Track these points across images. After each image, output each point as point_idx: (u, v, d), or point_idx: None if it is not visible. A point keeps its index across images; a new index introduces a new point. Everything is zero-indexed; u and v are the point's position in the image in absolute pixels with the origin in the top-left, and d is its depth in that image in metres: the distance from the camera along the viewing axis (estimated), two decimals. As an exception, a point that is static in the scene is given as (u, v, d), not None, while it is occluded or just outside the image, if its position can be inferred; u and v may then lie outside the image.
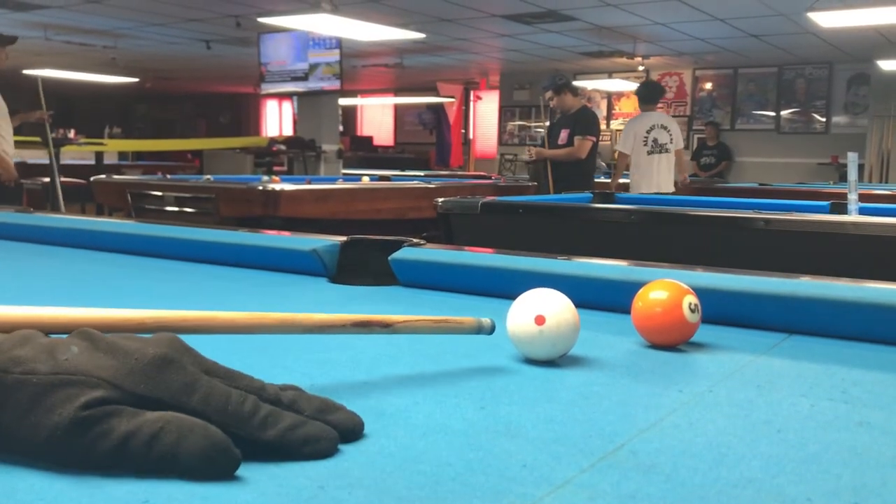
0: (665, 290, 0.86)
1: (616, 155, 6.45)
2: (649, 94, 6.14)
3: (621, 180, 6.22)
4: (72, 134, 6.44)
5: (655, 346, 0.87)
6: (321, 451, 0.50)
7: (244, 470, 0.47)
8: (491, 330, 0.78)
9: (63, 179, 5.94)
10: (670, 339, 0.87)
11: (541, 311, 0.77)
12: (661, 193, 5.23)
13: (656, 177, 5.83)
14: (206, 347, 0.53)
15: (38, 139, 5.47)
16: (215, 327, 0.59)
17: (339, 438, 0.52)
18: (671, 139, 5.91)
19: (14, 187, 4.86)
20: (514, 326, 0.78)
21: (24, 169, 5.29)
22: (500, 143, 13.46)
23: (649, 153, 5.89)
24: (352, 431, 0.53)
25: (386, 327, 0.67)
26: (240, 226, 2.26)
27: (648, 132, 5.90)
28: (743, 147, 11.29)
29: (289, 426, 0.49)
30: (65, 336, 0.50)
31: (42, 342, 0.48)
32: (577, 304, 0.80)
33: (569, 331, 0.77)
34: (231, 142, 12.20)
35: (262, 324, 0.61)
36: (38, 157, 7.55)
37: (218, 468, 0.46)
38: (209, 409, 0.47)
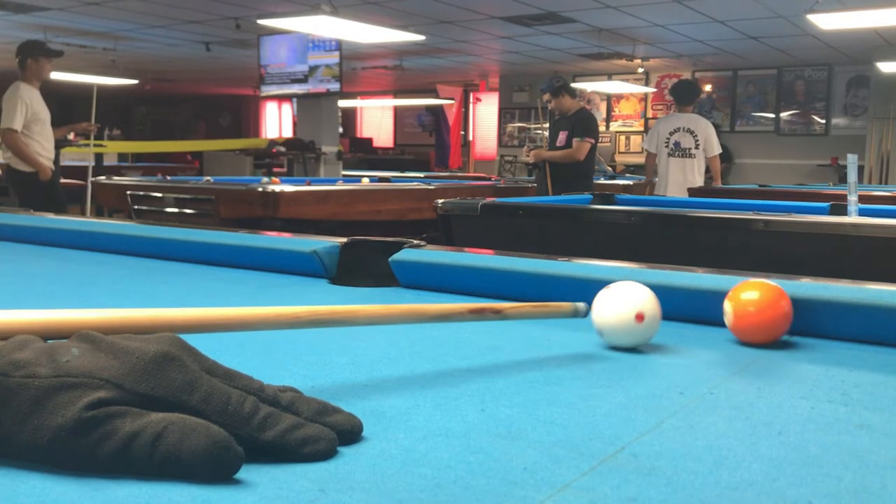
0: (760, 289, 0.90)
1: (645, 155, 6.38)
2: (684, 94, 6.01)
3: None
4: (71, 136, 6.44)
5: (748, 344, 0.89)
6: (320, 452, 0.50)
7: (244, 472, 0.47)
8: (585, 313, 0.86)
9: (63, 181, 6.00)
10: (774, 335, 0.89)
11: (640, 308, 0.84)
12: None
13: (672, 181, 5.77)
14: (208, 347, 0.53)
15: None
16: (341, 321, 0.66)
17: (338, 440, 0.52)
18: (697, 144, 5.79)
19: (49, 183, 5.20)
20: (613, 318, 0.84)
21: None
22: (500, 144, 13.47)
23: (669, 156, 5.84)
24: (350, 433, 0.53)
25: (497, 313, 0.75)
26: (240, 227, 2.26)
27: (671, 134, 5.84)
28: (742, 149, 11.30)
29: (288, 427, 0.49)
30: (64, 340, 0.50)
31: (40, 345, 0.48)
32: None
33: (656, 323, 0.86)
34: (231, 143, 12.20)
35: (392, 315, 0.69)
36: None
37: (221, 467, 0.46)
38: (209, 408, 0.47)
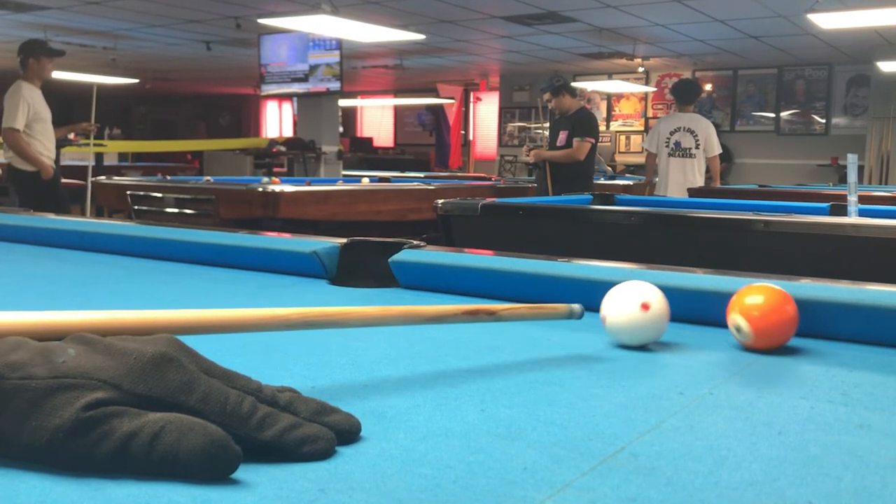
0: (765, 293, 0.89)
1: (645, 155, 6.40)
2: (684, 94, 6.01)
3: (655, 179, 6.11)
4: (72, 136, 6.45)
5: (754, 350, 0.88)
6: (319, 451, 0.50)
7: (244, 472, 0.47)
8: (580, 315, 0.86)
9: (64, 181, 6.01)
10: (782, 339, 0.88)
11: (646, 298, 0.84)
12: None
13: (672, 180, 5.77)
14: (208, 349, 0.53)
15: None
16: (335, 323, 0.66)
17: (337, 440, 0.52)
18: (697, 144, 5.80)
19: (51, 182, 5.25)
20: (618, 309, 0.85)
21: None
22: (500, 144, 13.47)
23: (669, 156, 5.85)
24: (349, 433, 0.54)
25: (491, 315, 0.76)
26: (239, 227, 2.26)
27: (672, 134, 5.84)
28: (742, 148, 11.29)
29: (286, 427, 0.49)
30: (58, 341, 0.50)
31: (35, 346, 0.48)
32: (578, 307, 0.80)
33: (662, 320, 0.86)
34: (231, 143, 12.20)
35: (385, 316, 0.70)
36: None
37: (219, 465, 0.46)
38: (207, 408, 0.47)
